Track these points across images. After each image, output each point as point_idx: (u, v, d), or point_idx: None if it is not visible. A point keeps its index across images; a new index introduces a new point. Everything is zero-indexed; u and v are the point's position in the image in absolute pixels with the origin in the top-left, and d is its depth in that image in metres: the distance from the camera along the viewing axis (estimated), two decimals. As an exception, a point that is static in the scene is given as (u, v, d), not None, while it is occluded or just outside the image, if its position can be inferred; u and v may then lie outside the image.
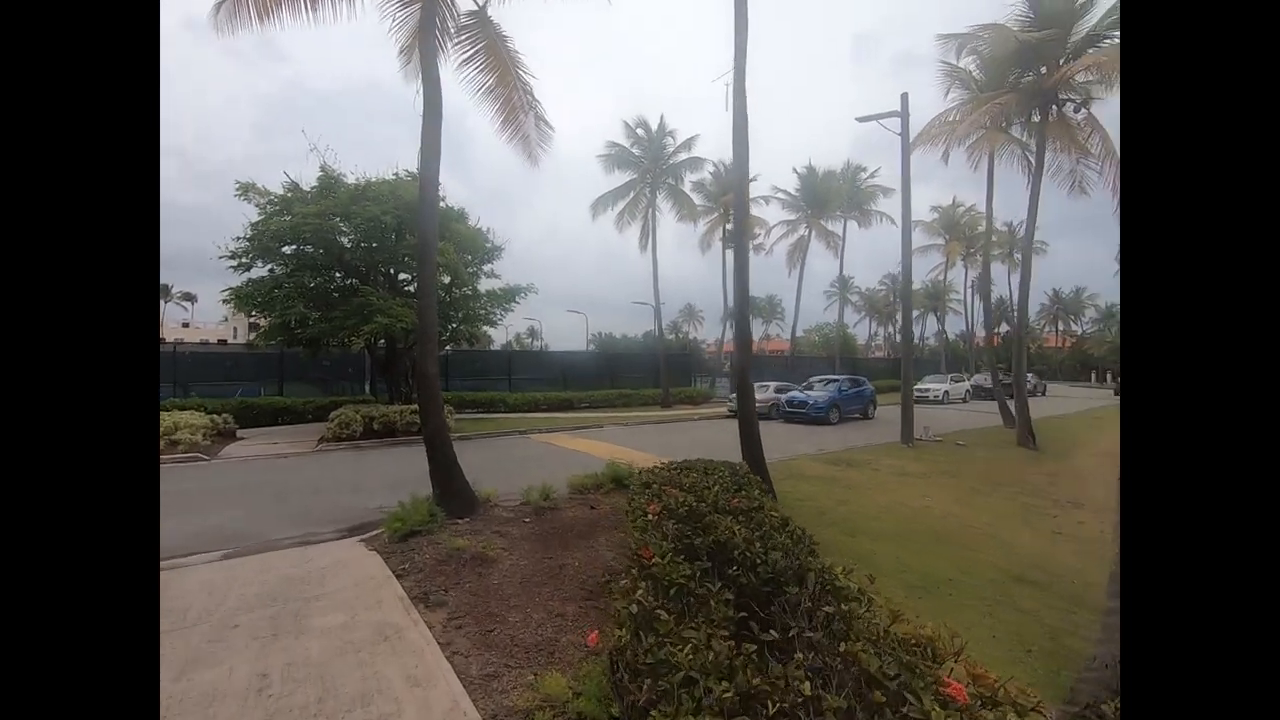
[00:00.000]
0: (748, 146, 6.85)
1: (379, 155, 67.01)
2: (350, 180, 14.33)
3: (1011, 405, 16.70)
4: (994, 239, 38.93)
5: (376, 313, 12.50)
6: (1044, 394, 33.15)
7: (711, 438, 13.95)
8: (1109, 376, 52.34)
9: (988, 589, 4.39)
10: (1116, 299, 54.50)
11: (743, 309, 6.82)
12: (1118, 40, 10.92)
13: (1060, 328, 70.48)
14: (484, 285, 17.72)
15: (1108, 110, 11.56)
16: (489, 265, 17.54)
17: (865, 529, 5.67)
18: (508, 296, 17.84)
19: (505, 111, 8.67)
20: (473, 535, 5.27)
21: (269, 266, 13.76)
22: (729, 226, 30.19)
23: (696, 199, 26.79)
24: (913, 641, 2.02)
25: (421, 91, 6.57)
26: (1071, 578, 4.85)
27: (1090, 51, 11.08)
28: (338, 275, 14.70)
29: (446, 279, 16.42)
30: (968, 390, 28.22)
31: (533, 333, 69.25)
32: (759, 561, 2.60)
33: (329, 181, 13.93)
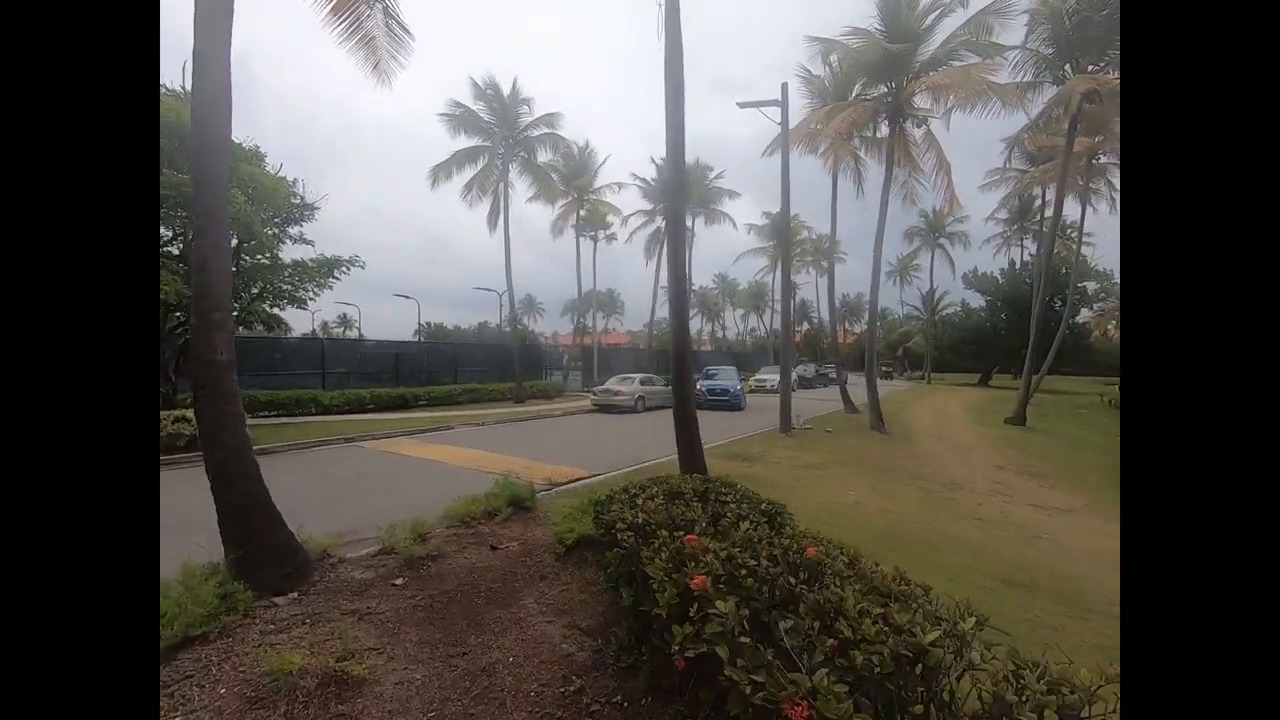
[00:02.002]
0: (683, 92, 5.64)
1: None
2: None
3: (845, 392, 18.50)
4: (808, 247, 44.46)
5: (111, 276, 8.49)
6: (845, 382, 38.66)
7: (593, 436, 12.60)
8: (880, 367, 64.24)
9: (1001, 604, 3.87)
10: (887, 304, 66.88)
11: (680, 294, 5.63)
12: (954, 65, 12.28)
13: (845, 327, 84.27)
14: (289, 254, 13.83)
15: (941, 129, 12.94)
16: (297, 228, 13.70)
17: (835, 541, 4.91)
18: (323, 270, 14.20)
19: (338, -6, 6.18)
20: (311, 627, 3.18)
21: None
22: (583, 213, 28.96)
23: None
24: None
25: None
26: (1036, 571, 4.66)
27: (932, 73, 12.26)
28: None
29: (233, 240, 12.34)
30: (795, 380, 31.31)
31: (345, 320, 59.56)
32: (987, 697, 1.39)
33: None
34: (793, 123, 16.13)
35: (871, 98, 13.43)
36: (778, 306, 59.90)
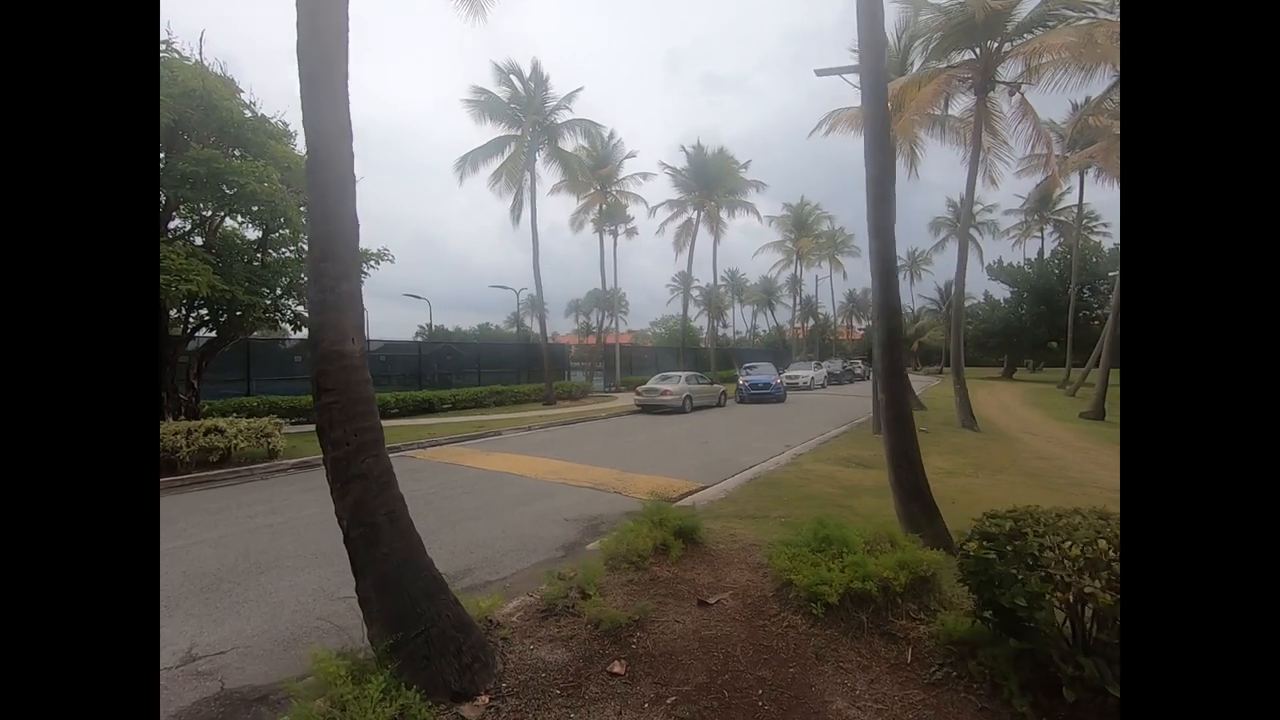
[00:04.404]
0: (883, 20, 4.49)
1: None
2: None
3: (910, 388, 17.38)
4: (820, 240, 43.28)
5: (134, 265, 7.21)
6: (868, 378, 37.64)
7: (659, 439, 11.34)
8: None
9: None
10: (903, 300, 65.51)
11: (888, 273, 4.45)
12: (1050, 27, 11.16)
13: (854, 323, 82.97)
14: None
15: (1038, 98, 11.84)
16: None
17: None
18: (352, 264, 12.82)
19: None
20: (553, 772, 1.99)
21: None
22: (605, 206, 27.75)
23: (560, 172, 23.21)
24: None
25: None
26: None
27: (1033, 34, 11.14)
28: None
29: (255, 233, 11.09)
30: (827, 376, 30.22)
31: (346, 324, 57.53)
32: None
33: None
34: (847, 102, 14.99)
35: (954, 65, 12.28)
36: (788, 302, 58.78)
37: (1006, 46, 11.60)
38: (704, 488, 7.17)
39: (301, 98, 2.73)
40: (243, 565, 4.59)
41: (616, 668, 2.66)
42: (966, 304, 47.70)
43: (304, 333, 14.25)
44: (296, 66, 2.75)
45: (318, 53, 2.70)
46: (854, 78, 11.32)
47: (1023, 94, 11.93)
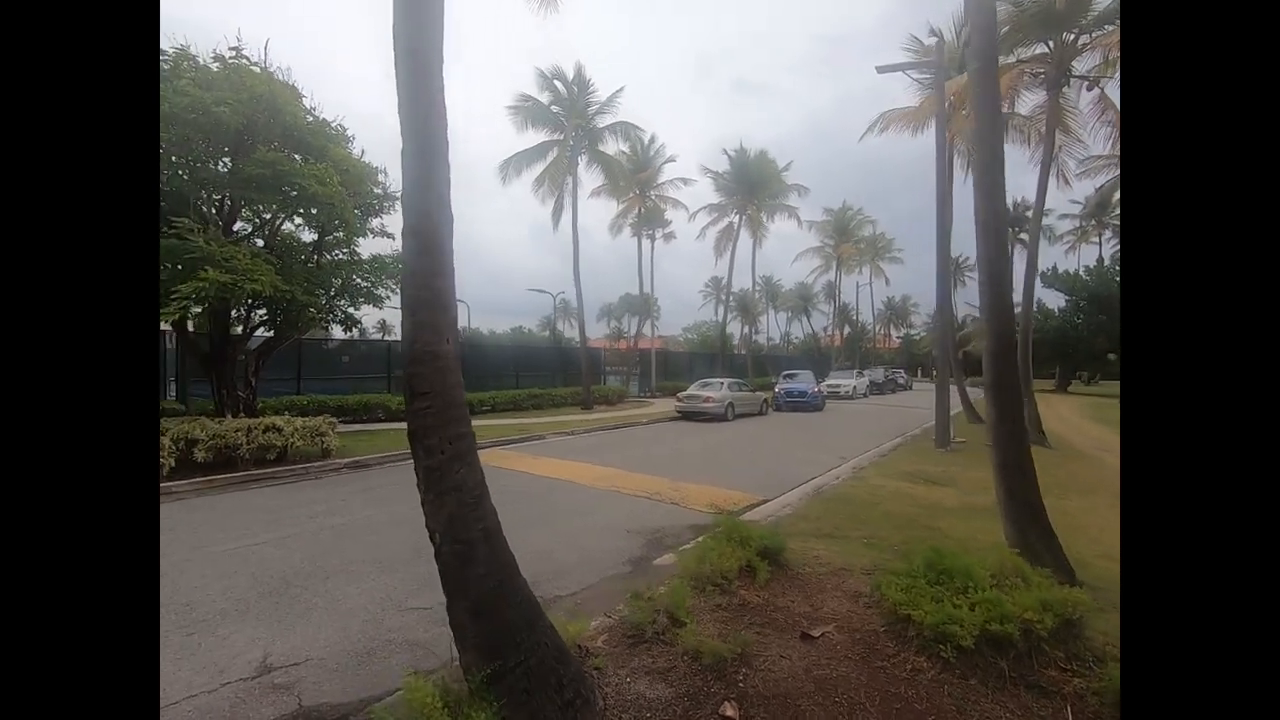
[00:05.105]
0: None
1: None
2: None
3: (966, 397, 16.56)
4: (860, 245, 42.10)
5: (203, 264, 7.35)
6: (911, 388, 36.24)
7: (707, 447, 11.01)
8: (934, 371, 60.77)
9: None
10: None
11: (999, 276, 4.09)
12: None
13: (891, 331, 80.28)
14: (366, 248, 12.67)
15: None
16: (378, 220, 12.54)
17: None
18: (399, 267, 12.99)
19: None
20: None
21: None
22: (643, 211, 27.61)
23: (600, 176, 23.05)
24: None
25: None
26: None
27: (1107, 28, 10.44)
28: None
29: (310, 235, 11.30)
30: (868, 385, 29.26)
31: (384, 326, 59.29)
32: None
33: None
34: (905, 100, 14.38)
35: (1024, 59, 11.63)
36: (824, 309, 57.47)
37: (1084, 39, 10.91)
38: (765, 501, 6.83)
39: (398, 90, 2.57)
40: (308, 568, 4.50)
41: (729, 710, 2.38)
42: (1016, 312, 45.51)
43: (351, 333, 14.51)
44: (393, 63, 2.60)
45: (417, 44, 2.53)
46: (916, 73, 10.82)
47: (1102, 88, 11.19)
